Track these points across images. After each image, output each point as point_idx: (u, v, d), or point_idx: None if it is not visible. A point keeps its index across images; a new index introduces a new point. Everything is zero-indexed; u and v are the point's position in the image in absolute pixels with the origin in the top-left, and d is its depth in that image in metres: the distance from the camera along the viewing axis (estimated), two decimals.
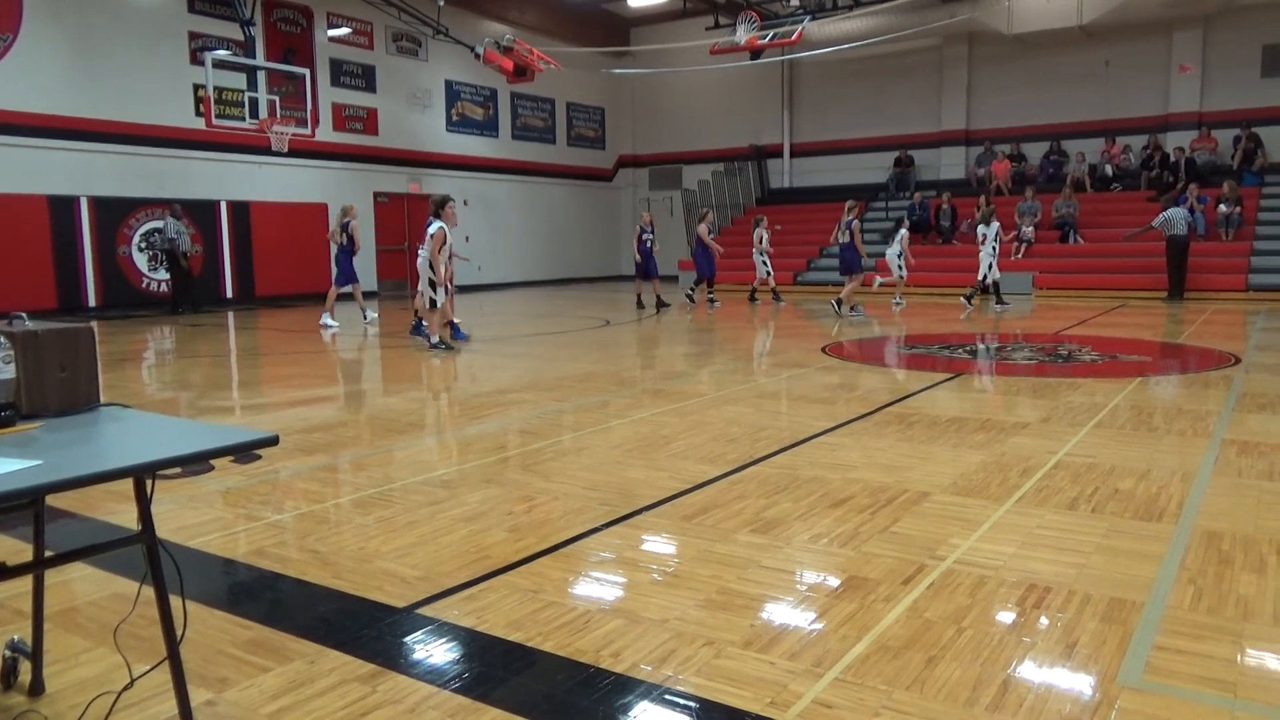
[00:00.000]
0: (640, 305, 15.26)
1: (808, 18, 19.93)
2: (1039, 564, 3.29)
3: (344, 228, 13.11)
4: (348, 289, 13.47)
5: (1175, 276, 15.62)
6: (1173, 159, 18.65)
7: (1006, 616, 2.87)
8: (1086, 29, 18.80)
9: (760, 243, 16.48)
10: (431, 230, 9.98)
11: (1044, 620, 2.83)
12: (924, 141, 22.28)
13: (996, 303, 14.46)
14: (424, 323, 10.70)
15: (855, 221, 13.54)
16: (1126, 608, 2.90)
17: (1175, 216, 15.46)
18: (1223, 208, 16.92)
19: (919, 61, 21.96)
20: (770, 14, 20.68)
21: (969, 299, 14.71)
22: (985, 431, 5.53)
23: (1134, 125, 19.71)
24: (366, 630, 2.82)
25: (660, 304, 15.39)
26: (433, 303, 10.15)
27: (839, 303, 13.86)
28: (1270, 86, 18.55)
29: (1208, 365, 8.40)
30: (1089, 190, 19.27)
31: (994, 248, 14.34)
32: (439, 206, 10.08)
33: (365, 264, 19.87)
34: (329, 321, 13.22)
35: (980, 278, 14.41)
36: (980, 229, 14.54)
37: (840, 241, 13.71)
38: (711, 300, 16.25)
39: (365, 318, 13.89)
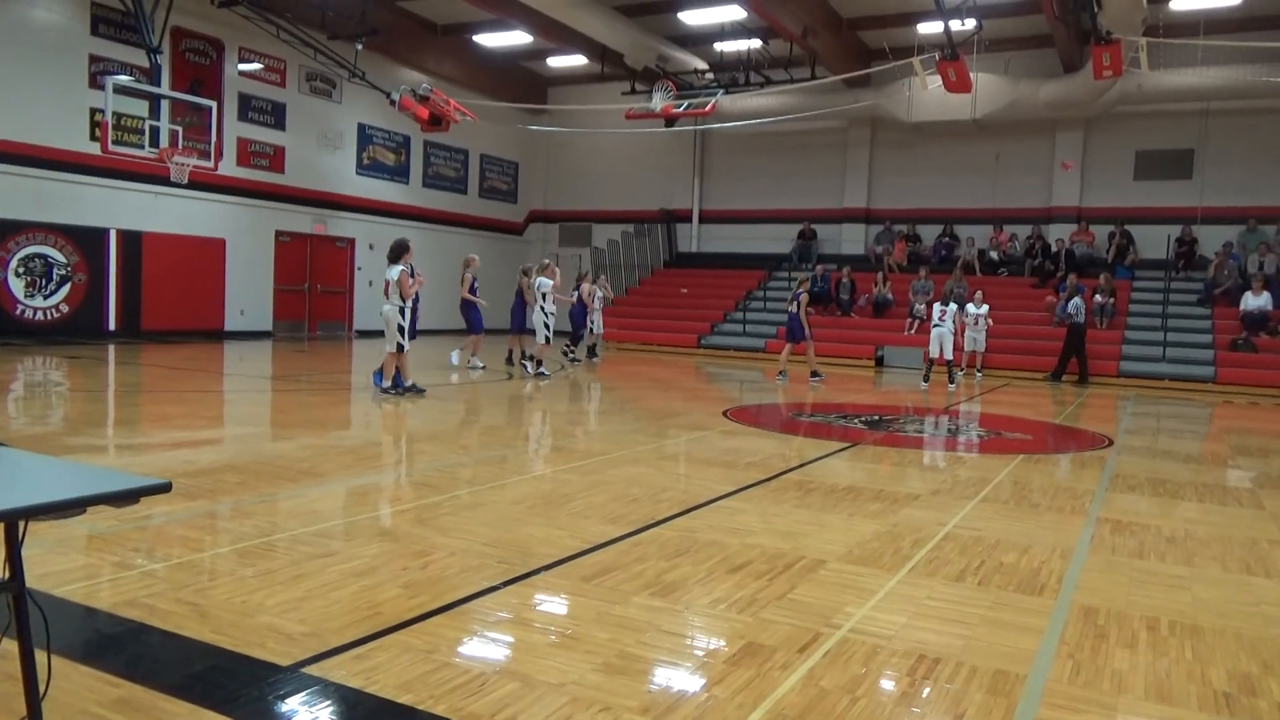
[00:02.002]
0: (525, 359, 14.86)
1: (722, 91, 20.62)
2: (929, 634, 3.38)
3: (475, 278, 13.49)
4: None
5: (1079, 358, 16.43)
6: (1054, 249, 19.85)
7: (899, 687, 2.92)
8: (979, 123, 19.98)
9: (592, 299, 16.57)
10: (394, 277, 10.00)
11: (934, 691, 2.89)
12: (827, 217, 23.13)
13: (950, 381, 14.71)
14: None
15: (804, 294, 14.04)
16: (1010, 680, 2.99)
17: (1080, 305, 16.38)
18: (1098, 298, 18.03)
19: (825, 141, 22.90)
20: (686, 84, 21.31)
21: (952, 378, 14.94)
22: (879, 501, 5.67)
23: (1020, 215, 20.94)
24: (246, 689, 2.68)
25: (521, 359, 14.64)
26: (400, 347, 10.17)
27: (783, 373, 14.41)
28: (1141, 188, 20.03)
29: (1083, 446, 8.86)
30: (978, 273, 20.27)
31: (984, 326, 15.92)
32: (400, 253, 10.16)
33: (262, 303, 19.31)
34: (478, 363, 13.76)
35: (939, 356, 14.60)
36: (970, 308, 15.95)
37: (789, 311, 14.20)
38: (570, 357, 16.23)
39: (454, 360, 14.12)
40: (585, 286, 16.17)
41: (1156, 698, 2.92)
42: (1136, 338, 17.55)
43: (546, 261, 14.24)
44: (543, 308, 13.39)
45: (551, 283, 13.62)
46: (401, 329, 10.11)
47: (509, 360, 14.78)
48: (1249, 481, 7.19)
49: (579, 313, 16.25)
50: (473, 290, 13.43)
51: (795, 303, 14.01)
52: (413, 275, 10.23)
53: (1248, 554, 4.80)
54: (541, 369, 13.50)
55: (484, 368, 13.78)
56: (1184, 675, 3.11)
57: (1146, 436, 9.91)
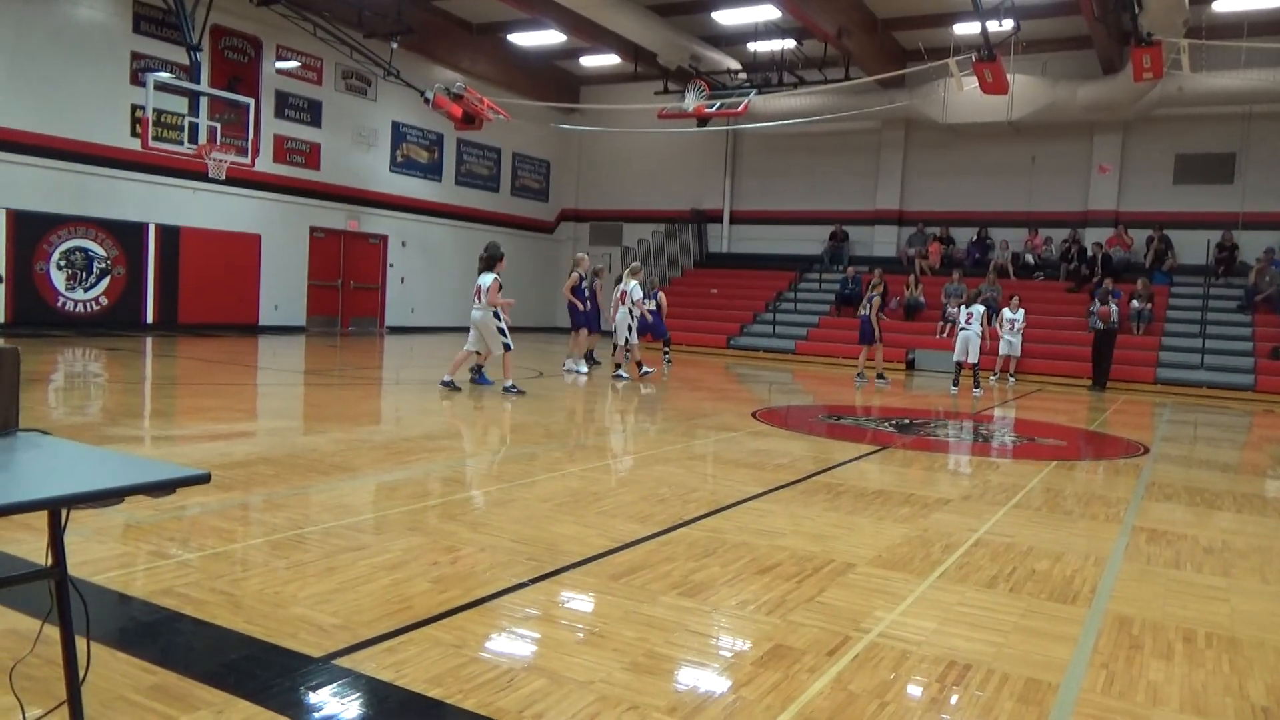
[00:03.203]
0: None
1: (754, 91, 20.55)
2: (959, 641, 3.34)
3: (584, 277, 13.58)
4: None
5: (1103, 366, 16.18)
6: (1090, 253, 19.58)
7: (928, 693, 2.89)
8: (1015, 125, 19.75)
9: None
10: (487, 284, 10.27)
11: (963, 698, 2.86)
12: (859, 218, 22.98)
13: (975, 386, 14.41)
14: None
15: (876, 298, 14.16)
16: (1042, 689, 2.95)
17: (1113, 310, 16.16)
18: (1135, 303, 17.76)
19: (858, 142, 22.75)
20: (719, 84, 21.27)
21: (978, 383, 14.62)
22: (909, 505, 5.63)
23: (1056, 218, 20.68)
24: (279, 680, 2.71)
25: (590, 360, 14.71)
26: (506, 347, 10.43)
27: (861, 375, 14.65)
28: (1181, 193, 19.70)
29: (1118, 453, 8.73)
30: (1012, 277, 20.06)
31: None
32: (494, 260, 10.45)
33: (296, 298, 19.53)
34: (582, 368, 13.75)
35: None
36: (1006, 313, 15.93)
37: (861, 315, 14.26)
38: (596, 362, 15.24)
39: (565, 365, 13.97)
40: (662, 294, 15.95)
41: (1192, 710, 2.87)
42: (1174, 344, 17.26)
43: (637, 265, 14.21)
44: (631, 310, 13.33)
45: (638, 285, 13.60)
46: (502, 330, 10.34)
47: (590, 359, 14.49)
48: None
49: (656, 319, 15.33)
50: (578, 291, 13.33)
51: (868, 305, 14.09)
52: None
53: None
54: (644, 369, 13.47)
55: (585, 372, 13.58)
56: (1221, 688, 3.05)
57: (1184, 444, 9.76)
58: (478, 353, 10.77)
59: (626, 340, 13.44)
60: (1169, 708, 2.87)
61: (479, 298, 10.37)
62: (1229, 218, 19.07)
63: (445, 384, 10.46)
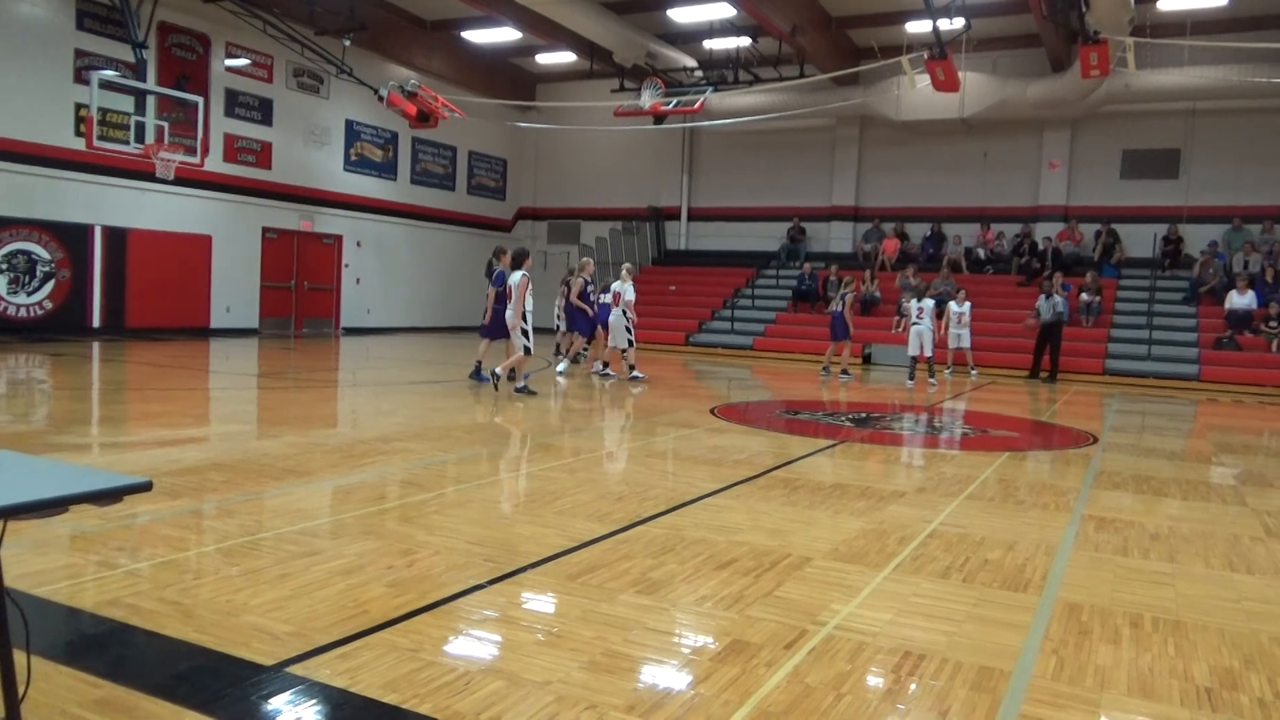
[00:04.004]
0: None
1: (710, 89, 20.63)
2: (914, 631, 3.39)
3: (589, 282, 13.52)
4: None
5: (1050, 358, 16.41)
6: (1041, 248, 19.94)
7: (884, 684, 2.93)
8: (968, 122, 20.04)
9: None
10: (515, 281, 10.32)
11: (918, 688, 2.90)
12: (815, 215, 23.17)
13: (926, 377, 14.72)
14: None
15: (849, 295, 14.41)
16: (995, 676, 3.00)
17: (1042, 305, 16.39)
18: (1084, 296, 18.12)
19: (814, 139, 22.92)
20: (675, 82, 21.32)
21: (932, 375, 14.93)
22: (865, 499, 5.69)
23: (1007, 214, 21.02)
24: (230, 689, 2.66)
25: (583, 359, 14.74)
26: (527, 350, 10.48)
27: (826, 369, 15.12)
28: (1128, 188, 20.14)
29: (1068, 443, 8.90)
30: (965, 271, 20.35)
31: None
32: (521, 259, 10.53)
33: (248, 300, 19.21)
34: (560, 367, 13.60)
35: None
36: (953, 306, 15.82)
37: (833, 311, 14.54)
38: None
39: (594, 369, 13.84)
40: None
41: (1139, 693, 2.93)
42: (1122, 336, 17.65)
43: (629, 265, 14.23)
44: (625, 312, 13.12)
45: (631, 286, 13.35)
46: (525, 332, 10.40)
47: (564, 356, 14.34)
48: (1232, 478, 7.25)
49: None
50: (584, 296, 13.26)
51: (840, 302, 14.28)
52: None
53: (1230, 550, 4.83)
54: (635, 373, 13.14)
55: (562, 371, 13.40)
56: (1166, 671, 3.13)
57: (1131, 434, 9.97)
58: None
59: (631, 341, 13.27)
60: (1117, 691, 2.94)
61: (510, 297, 10.43)
62: (1174, 211, 19.54)
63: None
